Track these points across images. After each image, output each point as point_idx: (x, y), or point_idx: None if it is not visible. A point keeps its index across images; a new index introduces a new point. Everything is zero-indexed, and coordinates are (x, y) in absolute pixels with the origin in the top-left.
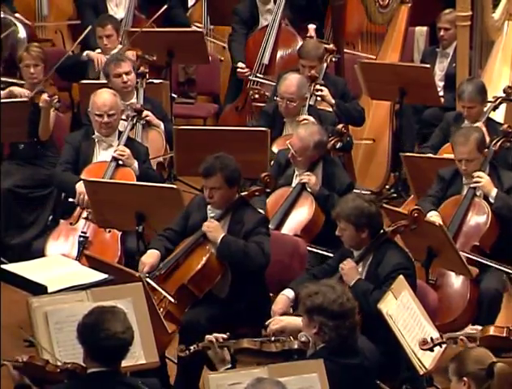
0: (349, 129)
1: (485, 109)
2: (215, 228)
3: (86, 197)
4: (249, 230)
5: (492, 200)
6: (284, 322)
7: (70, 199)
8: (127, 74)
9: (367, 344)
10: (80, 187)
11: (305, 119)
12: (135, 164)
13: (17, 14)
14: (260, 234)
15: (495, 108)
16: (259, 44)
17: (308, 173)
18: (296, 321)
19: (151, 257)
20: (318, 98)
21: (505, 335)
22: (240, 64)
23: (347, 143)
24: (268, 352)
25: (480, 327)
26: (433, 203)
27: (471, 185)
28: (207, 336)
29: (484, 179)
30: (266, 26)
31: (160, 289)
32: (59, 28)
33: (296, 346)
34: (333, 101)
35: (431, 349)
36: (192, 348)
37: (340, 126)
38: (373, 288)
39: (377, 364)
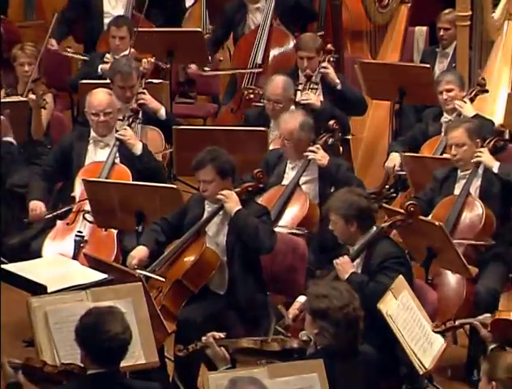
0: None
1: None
2: (233, 199)
3: (39, 212)
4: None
5: (495, 170)
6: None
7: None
8: (131, 87)
9: (368, 349)
10: (33, 204)
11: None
12: (139, 144)
13: None
14: (265, 222)
15: (471, 100)
16: (251, 45)
17: (316, 146)
18: None
19: (139, 251)
20: (311, 99)
21: None
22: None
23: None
24: (269, 351)
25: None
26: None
27: (474, 160)
28: (207, 334)
29: (484, 154)
30: (258, 26)
31: (150, 275)
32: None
33: (296, 345)
34: (337, 81)
35: (443, 333)
36: (190, 347)
37: (332, 122)
38: (368, 280)
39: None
